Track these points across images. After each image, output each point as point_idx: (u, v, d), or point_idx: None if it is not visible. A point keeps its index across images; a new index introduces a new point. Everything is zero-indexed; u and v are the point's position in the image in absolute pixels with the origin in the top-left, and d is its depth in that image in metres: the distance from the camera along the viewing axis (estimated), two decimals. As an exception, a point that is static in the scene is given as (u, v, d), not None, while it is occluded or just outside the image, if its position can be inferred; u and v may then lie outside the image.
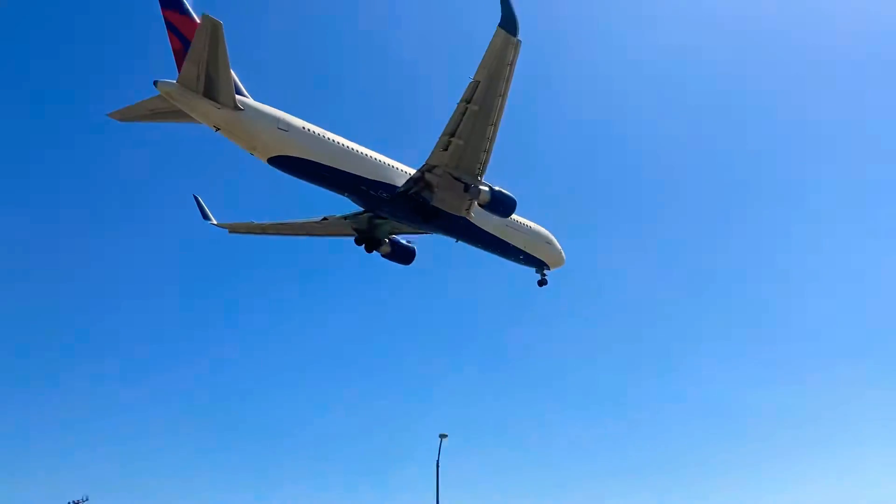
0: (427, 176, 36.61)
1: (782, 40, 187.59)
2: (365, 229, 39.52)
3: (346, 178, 36.15)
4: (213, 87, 32.28)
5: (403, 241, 41.52)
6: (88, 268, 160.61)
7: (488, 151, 35.75)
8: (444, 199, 37.52)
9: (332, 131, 36.69)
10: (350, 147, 36.78)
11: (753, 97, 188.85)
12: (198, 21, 32.57)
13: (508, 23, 31.48)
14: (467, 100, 34.36)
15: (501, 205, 38.12)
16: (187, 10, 34.36)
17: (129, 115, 34.36)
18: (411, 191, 37.27)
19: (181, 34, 33.46)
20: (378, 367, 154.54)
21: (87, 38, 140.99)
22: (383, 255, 40.63)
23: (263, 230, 42.13)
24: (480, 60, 32.54)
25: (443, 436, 40.57)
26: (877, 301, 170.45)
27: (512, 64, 32.49)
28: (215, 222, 42.12)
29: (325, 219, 40.64)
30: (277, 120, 35.27)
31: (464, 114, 34.57)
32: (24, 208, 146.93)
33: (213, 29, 30.42)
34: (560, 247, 45.06)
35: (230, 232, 41.59)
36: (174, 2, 33.32)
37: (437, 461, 39.62)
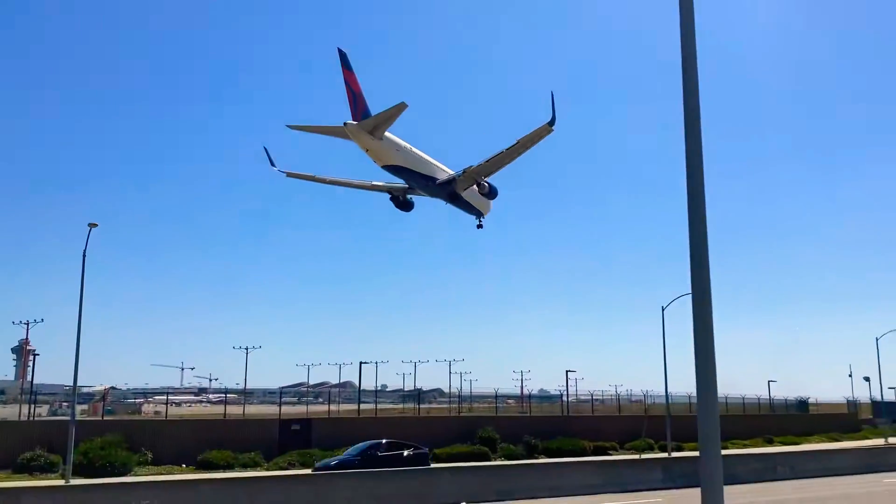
0: (458, 176, 55.63)
1: None
2: (397, 193, 58.78)
3: (416, 175, 54.46)
4: (376, 129, 49.96)
5: (409, 198, 60.18)
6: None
7: (499, 169, 54.89)
8: (460, 187, 56.27)
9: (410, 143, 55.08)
10: (421, 155, 55.16)
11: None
12: (354, 72, 50.71)
13: (553, 122, 48.47)
14: (506, 149, 52.28)
15: (492, 193, 57.64)
16: (351, 66, 51.06)
17: (303, 128, 51.21)
18: (445, 182, 55.88)
19: (349, 84, 50.45)
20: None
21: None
22: (399, 207, 59.75)
23: (320, 181, 58.41)
24: (526, 134, 50.37)
25: (92, 225, 43.07)
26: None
27: (542, 138, 50.11)
28: (276, 168, 56.47)
29: (374, 185, 58.76)
30: (396, 144, 52.71)
31: (498, 155, 53.20)
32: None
33: (402, 108, 47.79)
34: (491, 201, 62.34)
35: (287, 175, 57.09)
36: (347, 64, 50.68)
37: (84, 251, 43.56)
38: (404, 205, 59.29)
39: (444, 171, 56.24)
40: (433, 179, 54.79)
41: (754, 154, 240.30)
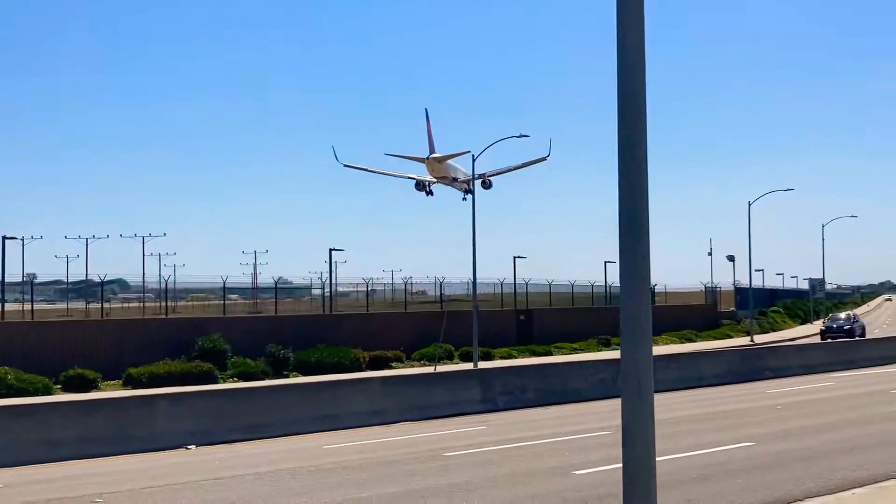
0: (473, 178, 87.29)
1: None
2: (423, 184, 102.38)
3: (449, 178, 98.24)
4: (443, 160, 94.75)
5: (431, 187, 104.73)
6: None
7: (502, 175, 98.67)
8: (471, 183, 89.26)
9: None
10: (455, 165, 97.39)
11: None
12: (430, 122, 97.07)
13: (548, 156, 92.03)
14: (514, 166, 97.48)
15: (490, 186, 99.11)
16: (429, 118, 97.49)
17: (397, 155, 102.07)
18: (464, 181, 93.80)
19: (428, 130, 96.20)
20: None
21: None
22: (420, 190, 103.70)
23: (373, 171, 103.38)
24: (530, 160, 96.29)
25: None
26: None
27: (536, 164, 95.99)
28: (338, 160, 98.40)
29: (410, 176, 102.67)
30: (447, 165, 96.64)
31: (507, 169, 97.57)
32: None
33: (466, 153, 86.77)
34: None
35: (344, 166, 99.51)
36: (428, 117, 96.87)
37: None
38: (426, 192, 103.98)
39: (464, 172, 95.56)
40: (457, 179, 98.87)
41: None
